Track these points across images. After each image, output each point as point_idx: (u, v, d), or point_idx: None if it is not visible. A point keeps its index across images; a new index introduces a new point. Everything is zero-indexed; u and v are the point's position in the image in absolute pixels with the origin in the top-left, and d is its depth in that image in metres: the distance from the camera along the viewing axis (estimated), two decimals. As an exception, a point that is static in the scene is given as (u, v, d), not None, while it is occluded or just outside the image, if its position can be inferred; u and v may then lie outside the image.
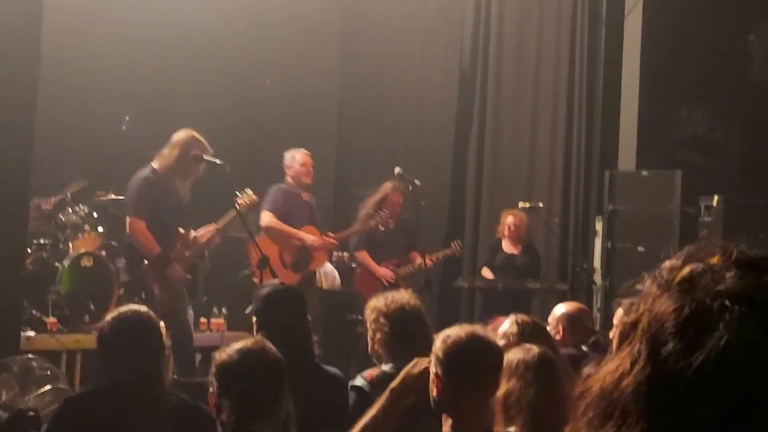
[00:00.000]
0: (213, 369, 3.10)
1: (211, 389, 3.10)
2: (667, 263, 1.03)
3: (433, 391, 3.18)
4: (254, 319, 4.17)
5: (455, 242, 8.70)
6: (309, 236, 7.90)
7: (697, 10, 9.39)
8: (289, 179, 8.02)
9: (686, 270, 1.00)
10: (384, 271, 8.35)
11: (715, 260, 1.00)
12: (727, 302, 0.94)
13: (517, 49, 10.05)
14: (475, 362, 3.11)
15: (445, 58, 10.36)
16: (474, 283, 8.78)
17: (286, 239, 7.86)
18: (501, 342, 4.05)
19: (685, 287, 0.98)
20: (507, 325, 4.17)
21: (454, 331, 3.21)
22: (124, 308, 3.91)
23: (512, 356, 3.31)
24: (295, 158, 7.99)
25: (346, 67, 10.50)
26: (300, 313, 4.16)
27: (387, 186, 8.41)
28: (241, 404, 2.99)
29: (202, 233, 6.93)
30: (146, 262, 6.73)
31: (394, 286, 8.05)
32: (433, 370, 3.20)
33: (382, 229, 8.18)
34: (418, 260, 8.32)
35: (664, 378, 0.95)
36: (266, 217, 7.82)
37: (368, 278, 8.39)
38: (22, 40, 6.27)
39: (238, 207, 6.62)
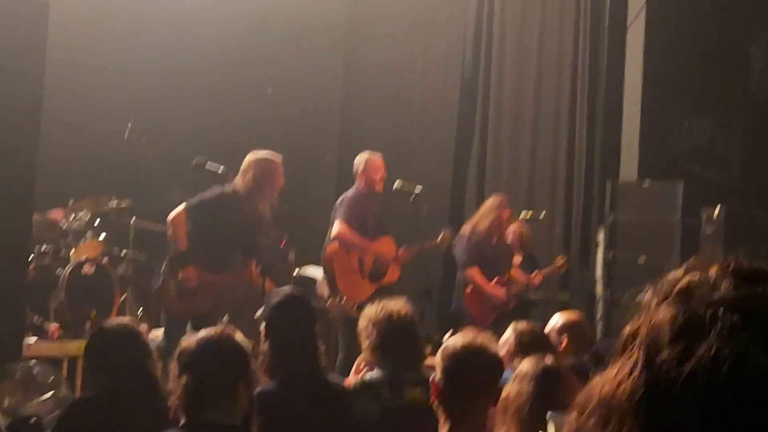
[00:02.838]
0: (176, 354, 3.19)
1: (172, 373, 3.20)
2: (670, 275, 1.03)
3: (432, 396, 3.22)
4: (262, 325, 4.20)
5: (561, 256, 8.54)
6: (380, 251, 7.47)
7: (699, 22, 9.41)
8: (362, 185, 7.50)
9: (685, 280, 1.01)
10: (497, 290, 8.00)
11: (713, 271, 1.01)
12: (719, 311, 0.95)
13: (518, 58, 10.06)
14: (472, 370, 3.15)
15: (446, 67, 10.39)
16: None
17: (358, 250, 7.38)
18: (501, 351, 4.09)
19: (681, 297, 0.99)
20: (507, 333, 4.20)
21: (454, 340, 3.26)
22: (107, 322, 4.17)
23: (522, 366, 3.35)
24: (373, 163, 7.49)
25: (348, 75, 10.55)
26: (308, 323, 4.19)
27: (494, 202, 8.16)
28: (193, 390, 3.10)
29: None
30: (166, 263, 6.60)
31: (505, 305, 7.93)
32: (434, 376, 3.24)
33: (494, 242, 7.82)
34: (522, 276, 8.16)
35: (657, 385, 0.95)
36: (340, 227, 7.26)
37: (478, 297, 7.97)
38: (26, 50, 6.29)
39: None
